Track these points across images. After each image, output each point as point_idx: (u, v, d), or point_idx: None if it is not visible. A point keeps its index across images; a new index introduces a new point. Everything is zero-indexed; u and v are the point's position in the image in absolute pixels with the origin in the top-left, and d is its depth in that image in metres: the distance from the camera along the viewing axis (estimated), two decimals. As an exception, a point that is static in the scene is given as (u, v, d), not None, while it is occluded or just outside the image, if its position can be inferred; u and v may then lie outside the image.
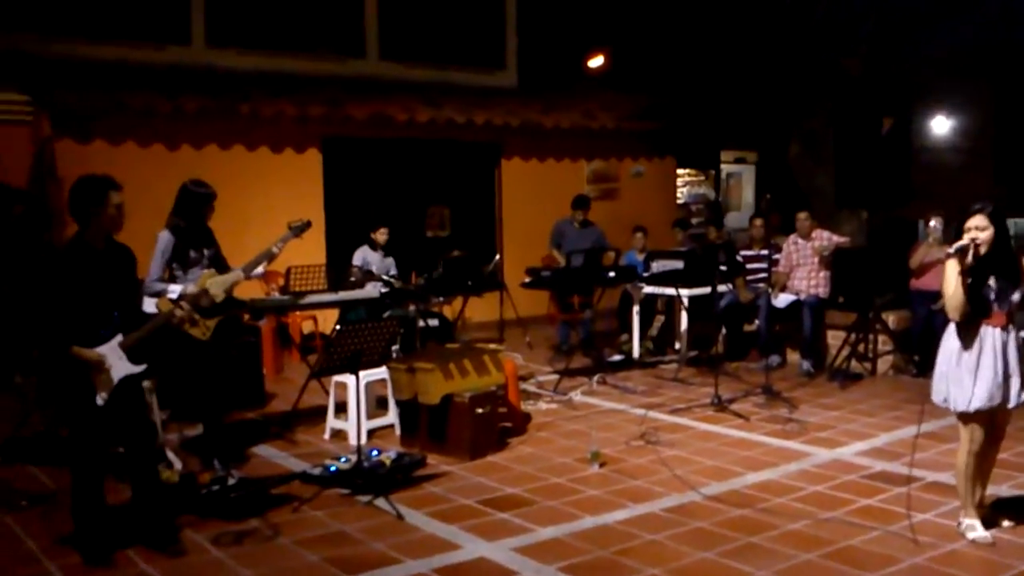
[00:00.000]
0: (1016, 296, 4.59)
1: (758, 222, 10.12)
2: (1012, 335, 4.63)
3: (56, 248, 4.50)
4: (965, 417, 4.66)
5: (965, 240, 4.54)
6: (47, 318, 4.41)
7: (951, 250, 4.55)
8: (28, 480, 5.84)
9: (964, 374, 4.59)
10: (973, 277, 4.53)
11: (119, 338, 4.56)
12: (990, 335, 4.58)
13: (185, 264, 5.96)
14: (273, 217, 9.46)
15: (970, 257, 4.51)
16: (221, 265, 6.08)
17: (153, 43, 10.51)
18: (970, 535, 4.70)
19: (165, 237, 5.91)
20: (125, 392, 4.58)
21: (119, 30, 10.27)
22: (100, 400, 4.47)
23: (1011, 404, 4.64)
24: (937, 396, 4.75)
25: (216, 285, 5.66)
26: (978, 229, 4.53)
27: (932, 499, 5.33)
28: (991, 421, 4.69)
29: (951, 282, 4.56)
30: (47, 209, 8.75)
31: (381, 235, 8.94)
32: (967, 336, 4.60)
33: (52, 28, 9.84)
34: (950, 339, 4.70)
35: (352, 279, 8.48)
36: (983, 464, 4.81)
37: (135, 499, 4.82)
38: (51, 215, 8.73)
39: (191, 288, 5.65)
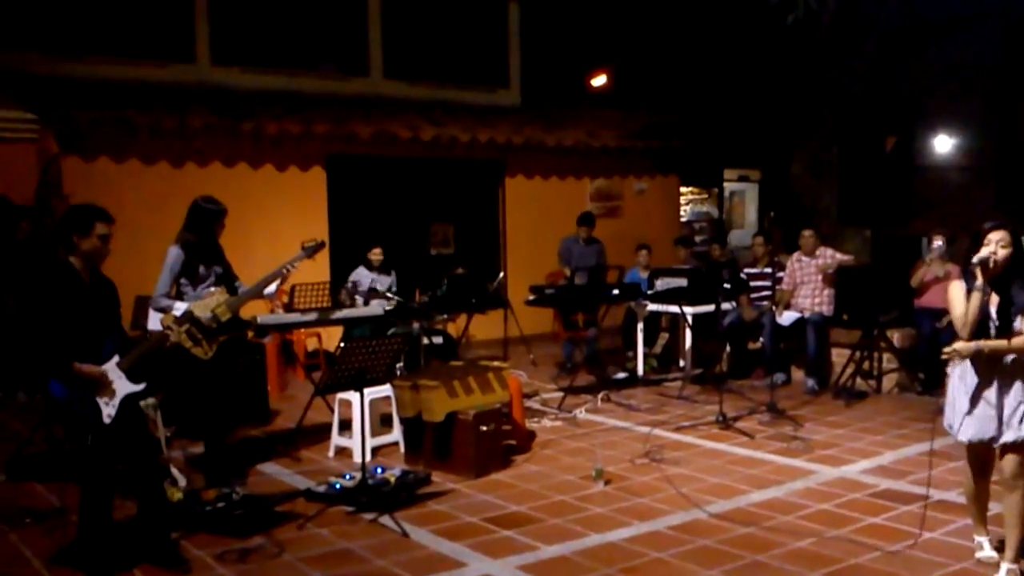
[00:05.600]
0: (1018, 323, 4.28)
1: (759, 240, 10.14)
2: (1011, 365, 4.32)
3: (59, 264, 4.54)
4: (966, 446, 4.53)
5: (985, 252, 4.26)
6: (45, 336, 4.42)
7: (975, 260, 4.24)
8: (32, 497, 5.83)
9: (962, 403, 4.41)
10: (1000, 295, 4.28)
11: (116, 358, 4.59)
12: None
13: (194, 280, 5.97)
14: (277, 235, 9.52)
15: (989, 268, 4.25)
16: (231, 282, 6.10)
17: (158, 61, 10.58)
18: (977, 554, 4.67)
19: (175, 252, 5.93)
20: (126, 411, 4.59)
21: (124, 48, 10.34)
22: (107, 418, 4.48)
23: (1008, 439, 4.28)
24: (944, 422, 4.57)
25: (200, 308, 5.67)
26: (999, 244, 4.27)
27: (940, 517, 5.30)
28: (991, 456, 4.46)
29: (960, 300, 4.32)
30: (53, 226, 8.78)
31: (375, 255, 8.95)
32: (981, 364, 4.34)
33: (58, 47, 9.92)
34: (957, 365, 4.48)
35: (352, 298, 8.49)
36: (1009, 499, 4.41)
37: (140, 516, 4.81)
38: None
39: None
